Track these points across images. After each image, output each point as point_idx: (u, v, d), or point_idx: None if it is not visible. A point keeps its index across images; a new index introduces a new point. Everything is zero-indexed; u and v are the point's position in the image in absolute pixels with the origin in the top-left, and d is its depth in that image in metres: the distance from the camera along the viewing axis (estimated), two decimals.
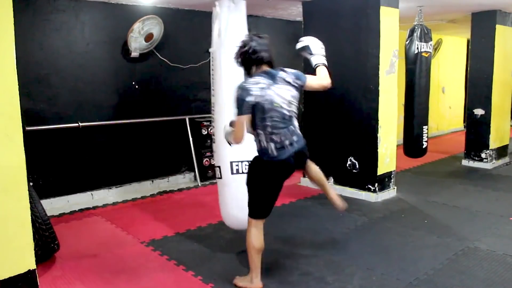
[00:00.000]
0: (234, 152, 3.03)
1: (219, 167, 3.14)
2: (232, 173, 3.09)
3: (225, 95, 3.07)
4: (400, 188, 4.84)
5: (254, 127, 2.54)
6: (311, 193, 4.87)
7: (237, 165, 3.09)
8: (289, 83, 2.58)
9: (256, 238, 2.62)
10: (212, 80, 3.26)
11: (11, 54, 2.34)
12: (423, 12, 5.06)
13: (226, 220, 3.26)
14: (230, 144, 2.70)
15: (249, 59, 2.54)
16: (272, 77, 2.53)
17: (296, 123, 2.63)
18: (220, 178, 3.15)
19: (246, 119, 2.47)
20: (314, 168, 2.90)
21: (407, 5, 5.01)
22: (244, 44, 2.55)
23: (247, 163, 2.86)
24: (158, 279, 2.90)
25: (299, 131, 2.64)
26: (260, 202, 2.62)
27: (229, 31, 3.12)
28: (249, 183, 2.65)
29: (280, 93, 2.53)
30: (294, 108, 2.60)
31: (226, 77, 3.10)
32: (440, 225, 3.85)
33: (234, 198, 3.09)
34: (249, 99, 2.43)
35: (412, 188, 5.03)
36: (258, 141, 2.56)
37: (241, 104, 2.44)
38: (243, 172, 3.02)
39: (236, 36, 2.98)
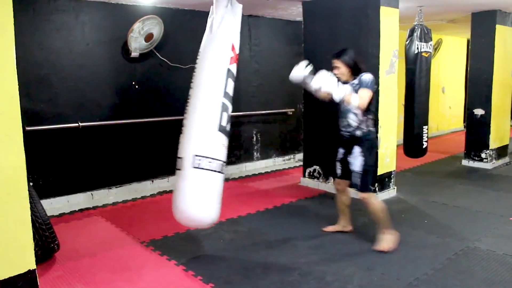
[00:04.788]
0: (200, 147, 2.95)
1: (181, 158, 3.01)
2: (194, 167, 2.93)
3: (204, 88, 3.07)
4: (400, 188, 4.84)
5: (365, 112, 3.19)
6: (311, 193, 4.87)
7: (200, 160, 2.92)
8: None
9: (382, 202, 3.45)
10: (194, 73, 3.20)
11: (11, 54, 2.34)
12: (423, 12, 5.06)
13: (175, 213, 3.05)
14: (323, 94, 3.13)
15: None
16: None
17: None
18: (180, 169, 3.01)
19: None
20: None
21: (407, 5, 5.01)
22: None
23: (210, 160, 2.91)
24: (158, 279, 2.90)
25: None
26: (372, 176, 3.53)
27: (222, 29, 3.10)
28: (369, 160, 3.27)
29: None
30: None
31: (210, 72, 3.11)
32: (440, 225, 3.86)
33: (189, 192, 2.96)
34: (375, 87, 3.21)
35: (412, 188, 5.03)
36: (366, 125, 3.23)
37: (374, 88, 3.15)
38: (202, 168, 2.92)
39: (227, 36, 3.07)
